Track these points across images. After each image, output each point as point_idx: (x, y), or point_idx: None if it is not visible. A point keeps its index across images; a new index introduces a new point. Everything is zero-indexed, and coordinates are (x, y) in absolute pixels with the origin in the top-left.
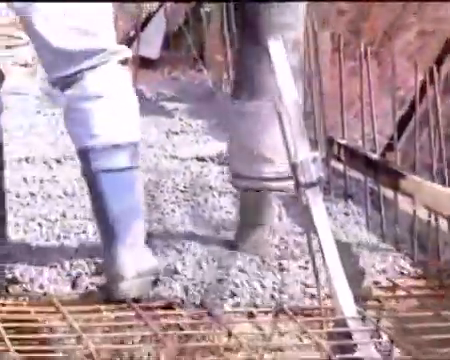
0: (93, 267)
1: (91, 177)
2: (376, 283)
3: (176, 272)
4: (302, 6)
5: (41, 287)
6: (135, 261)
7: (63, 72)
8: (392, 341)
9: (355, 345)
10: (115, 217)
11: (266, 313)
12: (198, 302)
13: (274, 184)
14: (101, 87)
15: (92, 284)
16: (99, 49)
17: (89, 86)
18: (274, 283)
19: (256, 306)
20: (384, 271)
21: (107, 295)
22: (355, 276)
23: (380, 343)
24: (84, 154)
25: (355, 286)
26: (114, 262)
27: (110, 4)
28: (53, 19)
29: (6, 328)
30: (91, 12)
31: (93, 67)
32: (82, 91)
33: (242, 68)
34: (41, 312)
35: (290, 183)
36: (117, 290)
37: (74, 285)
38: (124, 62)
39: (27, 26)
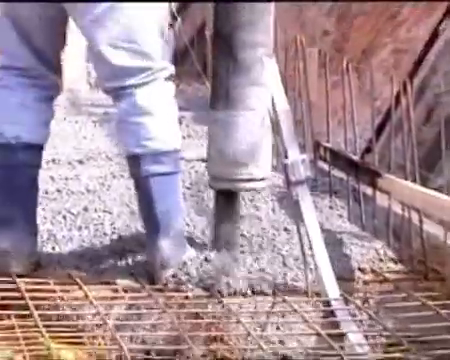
0: (108, 252)
1: (140, 180)
2: (357, 268)
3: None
4: (271, 25)
5: (65, 269)
6: (177, 252)
7: (117, 84)
8: (371, 318)
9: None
10: (160, 214)
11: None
12: (203, 285)
13: (247, 185)
14: (150, 103)
15: (107, 267)
16: (149, 67)
17: (139, 101)
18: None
19: (254, 290)
20: (364, 257)
21: (152, 282)
22: (339, 261)
23: (361, 321)
24: (134, 160)
25: (339, 270)
26: (159, 253)
27: (164, 25)
28: (115, 39)
29: (35, 305)
30: (146, 35)
31: (144, 84)
32: (133, 107)
33: (217, 81)
34: (66, 290)
35: (261, 184)
36: (161, 277)
37: (93, 268)
38: (169, 78)
39: (91, 44)
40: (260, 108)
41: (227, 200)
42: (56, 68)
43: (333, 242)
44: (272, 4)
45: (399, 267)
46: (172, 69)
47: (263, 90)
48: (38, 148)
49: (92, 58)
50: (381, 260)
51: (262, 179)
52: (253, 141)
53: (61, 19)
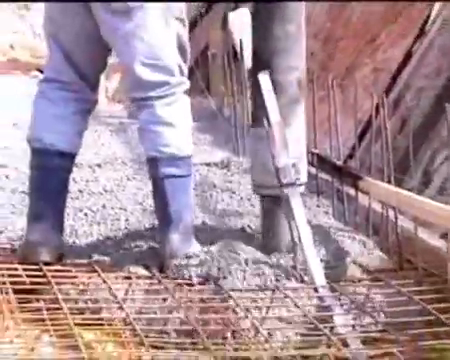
0: (123, 244)
1: (157, 180)
2: (341, 258)
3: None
4: (304, 50)
5: (86, 258)
6: (184, 245)
7: (140, 95)
8: (353, 303)
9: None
10: (173, 211)
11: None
12: (204, 274)
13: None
14: (168, 113)
15: (122, 257)
16: (169, 82)
17: (158, 112)
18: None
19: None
20: (346, 249)
21: (161, 270)
22: (326, 253)
23: (344, 305)
24: (152, 162)
25: (326, 260)
26: (169, 245)
27: (186, 44)
28: (140, 56)
29: (60, 289)
30: (168, 53)
31: (163, 96)
32: (153, 116)
33: (258, 103)
34: (86, 277)
35: (301, 188)
36: (170, 266)
37: (110, 258)
38: (186, 92)
39: (120, 58)
40: (297, 124)
41: (272, 204)
42: (94, 86)
43: (320, 236)
44: (303, 30)
45: (379, 259)
46: (188, 84)
47: (299, 108)
48: (71, 156)
49: (125, 72)
50: (362, 252)
51: (301, 184)
52: (291, 152)
53: (103, 44)
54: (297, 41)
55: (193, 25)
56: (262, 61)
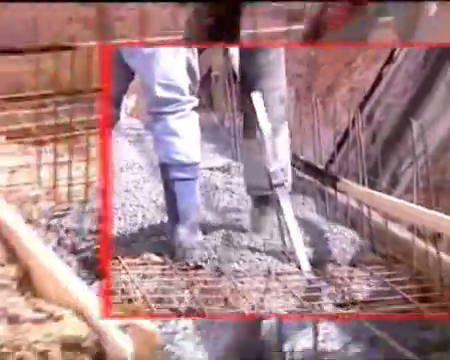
0: (140, 236)
1: (167, 183)
2: (325, 248)
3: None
4: (283, 73)
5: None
6: (190, 237)
7: (155, 110)
8: (333, 284)
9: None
10: (181, 209)
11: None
12: (212, 264)
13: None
14: (178, 126)
15: (139, 247)
16: (180, 100)
17: (170, 125)
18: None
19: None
20: (329, 239)
21: (171, 258)
22: (311, 244)
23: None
24: (164, 167)
25: (312, 250)
26: (177, 237)
27: (195, 67)
28: (156, 76)
29: None
30: (179, 75)
31: (175, 111)
32: (165, 128)
33: (247, 118)
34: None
35: (289, 188)
36: (178, 255)
37: (129, 247)
38: (194, 108)
39: (139, 78)
40: (282, 134)
41: (262, 202)
42: (118, 104)
43: (305, 229)
44: (283, 57)
45: (357, 247)
46: (197, 102)
47: (283, 121)
48: None
49: (143, 90)
50: (341, 242)
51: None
52: (279, 159)
53: (127, 69)
54: (278, 65)
55: (199, 51)
56: (247, 84)
